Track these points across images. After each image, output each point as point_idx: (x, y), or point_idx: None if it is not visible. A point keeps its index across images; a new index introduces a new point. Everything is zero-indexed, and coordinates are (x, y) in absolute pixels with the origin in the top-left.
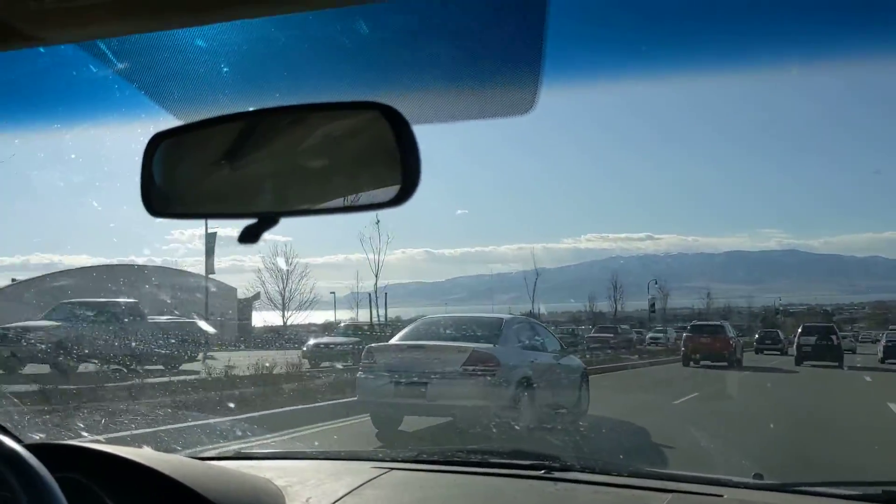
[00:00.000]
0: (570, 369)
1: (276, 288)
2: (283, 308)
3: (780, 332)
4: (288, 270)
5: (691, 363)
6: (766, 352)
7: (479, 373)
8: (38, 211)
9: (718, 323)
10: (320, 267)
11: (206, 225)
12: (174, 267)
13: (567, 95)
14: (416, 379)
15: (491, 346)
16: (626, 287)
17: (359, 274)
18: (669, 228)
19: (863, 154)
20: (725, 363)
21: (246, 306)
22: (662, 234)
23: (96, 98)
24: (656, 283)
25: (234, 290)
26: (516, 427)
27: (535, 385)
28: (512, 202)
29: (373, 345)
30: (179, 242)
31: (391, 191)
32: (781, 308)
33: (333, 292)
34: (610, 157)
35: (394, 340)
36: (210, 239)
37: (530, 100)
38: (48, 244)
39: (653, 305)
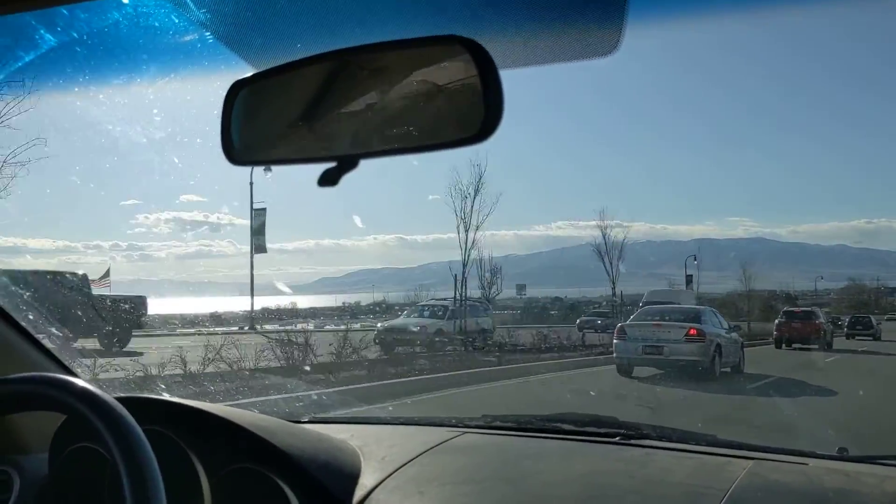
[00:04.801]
0: (735, 341)
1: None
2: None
3: (872, 318)
4: None
5: (783, 346)
6: (857, 337)
7: (695, 340)
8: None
9: (810, 309)
10: (291, 253)
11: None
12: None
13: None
14: (655, 344)
15: (699, 324)
16: (593, 274)
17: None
18: (639, 216)
19: (830, 145)
20: (816, 346)
21: None
22: (632, 221)
23: (177, 50)
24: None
25: None
26: (591, 393)
27: (721, 349)
28: (485, 188)
29: (622, 323)
30: (145, 227)
31: (472, 127)
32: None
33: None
34: (583, 147)
35: (630, 321)
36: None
37: (615, 39)
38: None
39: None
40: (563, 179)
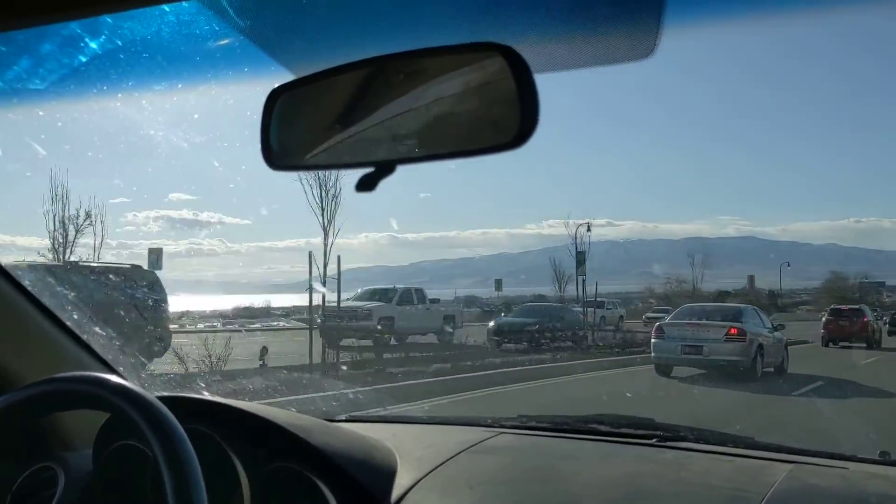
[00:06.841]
0: (778, 340)
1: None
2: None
3: None
4: None
5: (830, 344)
6: None
7: (736, 340)
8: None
9: (857, 306)
10: (282, 251)
11: None
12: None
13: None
14: (695, 344)
15: (740, 323)
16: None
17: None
18: (630, 215)
19: (819, 144)
20: (864, 344)
21: None
22: (622, 220)
23: (216, 56)
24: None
25: None
26: (628, 394)
27: (764, 349)
28: (476, 187)
29: (660, 322)
30: (134, 225)
31: (509, 133)
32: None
33: None
34: (579, 146)
35: (669, 320)
36: None
37: (652, 42)
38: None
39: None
40: (557, 178)
